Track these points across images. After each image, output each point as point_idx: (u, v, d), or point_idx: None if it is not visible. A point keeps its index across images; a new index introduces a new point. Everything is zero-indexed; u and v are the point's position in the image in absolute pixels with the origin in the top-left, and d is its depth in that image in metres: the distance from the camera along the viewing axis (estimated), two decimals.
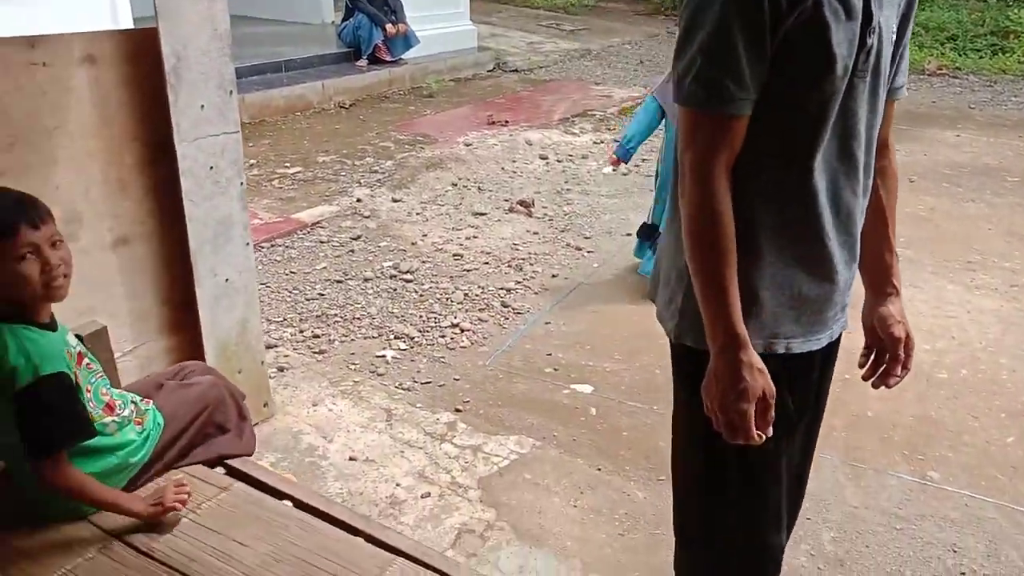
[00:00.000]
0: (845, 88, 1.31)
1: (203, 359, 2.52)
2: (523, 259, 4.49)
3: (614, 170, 4.23)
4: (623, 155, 4.16)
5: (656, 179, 4.12)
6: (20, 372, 1.62)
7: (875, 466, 2.78)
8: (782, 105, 1.30)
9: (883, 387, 1.62)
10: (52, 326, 1.75)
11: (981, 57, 10.46)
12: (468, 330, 3.68)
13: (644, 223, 4.16)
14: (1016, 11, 11.23)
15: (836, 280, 1.44)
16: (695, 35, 1.27)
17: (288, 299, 3.94)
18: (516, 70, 10.00)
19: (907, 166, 6.01)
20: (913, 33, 1.38)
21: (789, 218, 1.37)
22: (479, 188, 5.64)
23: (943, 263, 4.47)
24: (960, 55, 10.55)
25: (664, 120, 3.92)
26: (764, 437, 1.35)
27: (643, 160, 5.93)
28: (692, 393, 1.44)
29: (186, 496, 1.83)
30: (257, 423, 2.54)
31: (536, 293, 4.11)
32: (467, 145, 6.59)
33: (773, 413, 1.35)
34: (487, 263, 4.43)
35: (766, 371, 1.33)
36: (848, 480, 2.70)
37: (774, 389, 1.34)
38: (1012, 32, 10.84)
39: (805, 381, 1.53)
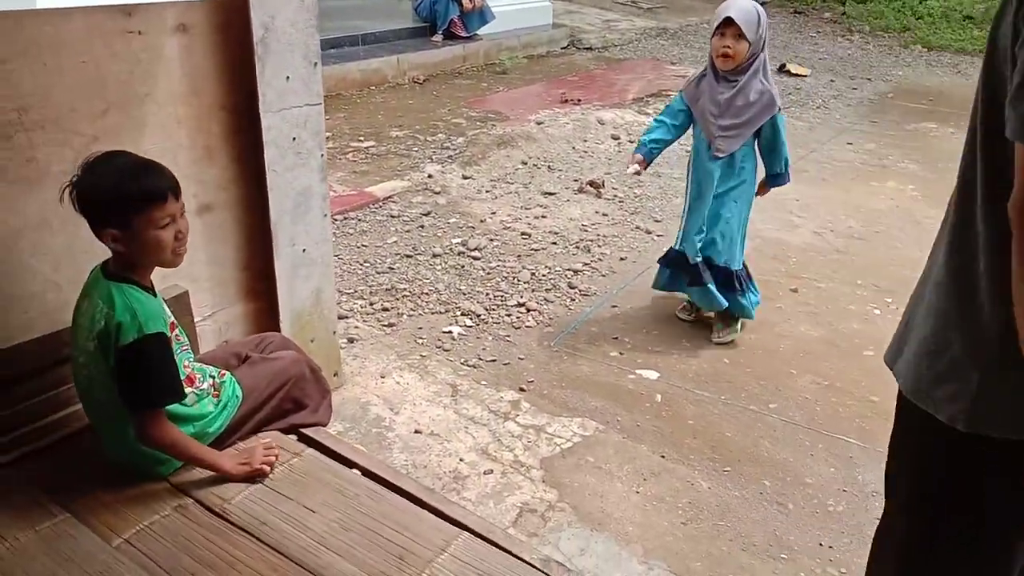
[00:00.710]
0: None
1: (279, 327, 2.57)
2: (591, 240, 4.45)
3: (638, 173, 3.47)
4: (645, 154, 3.41)
5: (687, 200, 3.42)
6: (125, 329, 1.68)
7: None
8: None
9: None
10: (153, 291, 1.80)
11: None
12: (534, 310, 3.68)
13: (672, 248, 3.51)
14: None
15: None
16: None
17: (359, 272, 3.99)
18: (590, 48, 9.89)
19: None
20: None
21: None
22: (549, 167, 5.61)
23: None
24: None
25: (693, 127, 3.39)
26: None
27: None
28: (985, 491, 1.21)
29: (274, 458, 1.89)
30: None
31: (603, 275, 4.08)
32: (538, 123, 6.55)
33: None
34: (555, 243, 4.41)
35: None
36: None
37: None
38: None
39: None
